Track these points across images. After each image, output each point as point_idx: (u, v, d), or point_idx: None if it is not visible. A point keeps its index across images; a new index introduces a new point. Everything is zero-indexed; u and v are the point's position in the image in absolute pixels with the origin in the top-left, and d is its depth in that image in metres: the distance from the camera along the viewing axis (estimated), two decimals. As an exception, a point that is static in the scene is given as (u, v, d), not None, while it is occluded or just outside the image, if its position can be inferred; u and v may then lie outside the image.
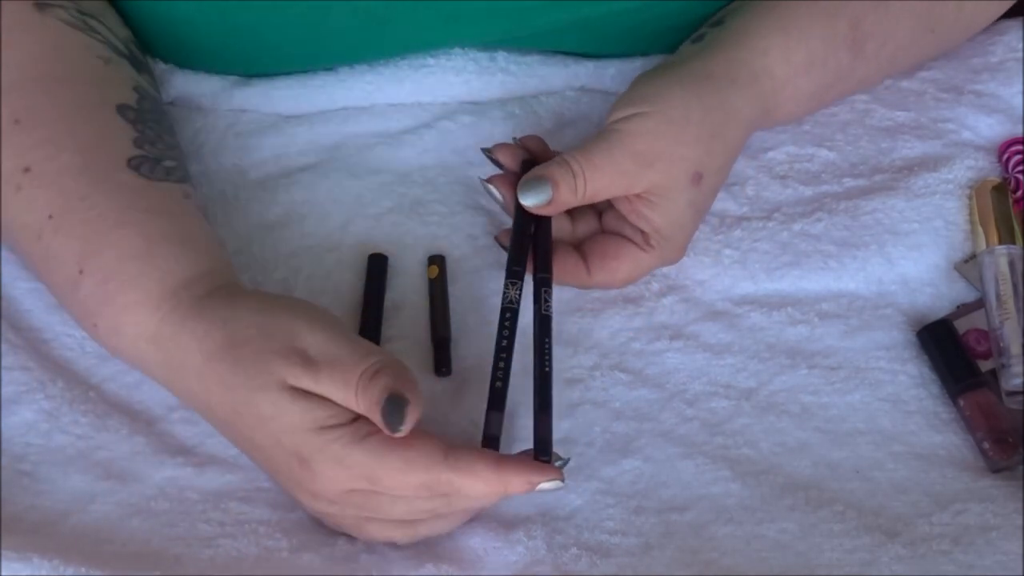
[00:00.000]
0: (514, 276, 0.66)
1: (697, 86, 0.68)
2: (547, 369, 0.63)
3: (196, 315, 0.61)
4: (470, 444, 0.61)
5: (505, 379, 0.63)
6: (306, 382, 0.58)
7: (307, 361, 0.58)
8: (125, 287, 0.62)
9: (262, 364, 0.58)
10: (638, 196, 0.67)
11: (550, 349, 0.64)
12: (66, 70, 0.67)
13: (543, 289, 0.66)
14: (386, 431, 0.57)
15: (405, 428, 0.57)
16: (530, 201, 0.66)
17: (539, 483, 0.59)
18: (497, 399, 0.62)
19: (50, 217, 0.63)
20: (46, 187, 0.64)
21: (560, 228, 0.70)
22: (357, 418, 0.58)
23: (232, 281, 0.64)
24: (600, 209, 0.71)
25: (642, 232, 0.69)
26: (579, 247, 0.70)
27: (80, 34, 0.68)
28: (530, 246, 0.68)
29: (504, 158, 0.70)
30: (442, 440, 0.59)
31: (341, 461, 0.58)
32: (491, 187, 0.69)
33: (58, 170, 0.64)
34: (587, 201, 0.67)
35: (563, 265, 0.69)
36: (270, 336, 0.59)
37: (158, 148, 0.66)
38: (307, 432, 0.58)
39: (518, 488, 0.59)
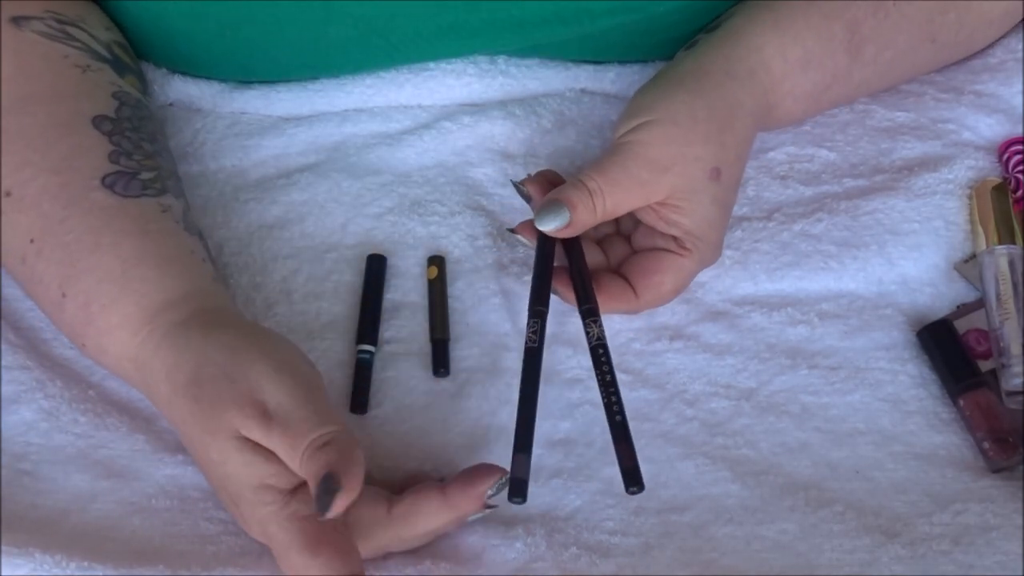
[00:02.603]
0: (534, 315, 0.65)
1: (696, 84, 0.68)
2: (610, 399, 0.62)
3: (169, 344, 0.61)
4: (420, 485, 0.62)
5: (530, 422, 0.61)
6: (257, 435, 0.57)
7: (263, 415, 0.57)
8: (106, 310, 0.62)
9: (219, 410, 0.58)
10: (662, 204, 0.67)
11: (611, 379, 0.63)
12: (42, 87, 0.67)
13: (589, 320, 0.65)
14: (316, 508, 0.56)
15: (331, 513, 0.56)
16: (548, 226, 0.66)
17: (484, 492, 0.59)
18: (522, 441, 0.61)
19: (32, 241, 0.64)
20: (26, 211, 0.64)
21: (595, 260, 0.69)
22: (296, 489, 0.58)
23: (214, 305, 0.64)
24: (627, 233, 0.71)
25: (675, 238, 0.68)
26: (617, 273, 0.70)
27: (57, 45, 0.68)
28: (551, 282, 0.67)
29: (535, 191, 0.69)
30: (382, 497, 0.60)
31: (264, 527, 0.58)
32: (520, 237, 0.68)
33: (37, 193, 0.64)
34: (607, 217, 0.67)
35: (610, 291, 0.68)
36: (233, 382, 0.58)
37: (134, 160, 0.66)
38: (245, 486, 0.58)
39: (471, 507, 0.60)
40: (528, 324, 0.64)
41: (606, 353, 0.64)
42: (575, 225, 0.66)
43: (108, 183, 0.65)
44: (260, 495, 0.58)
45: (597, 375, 0.63)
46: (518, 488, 0.59)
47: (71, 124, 0.66)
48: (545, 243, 0.67)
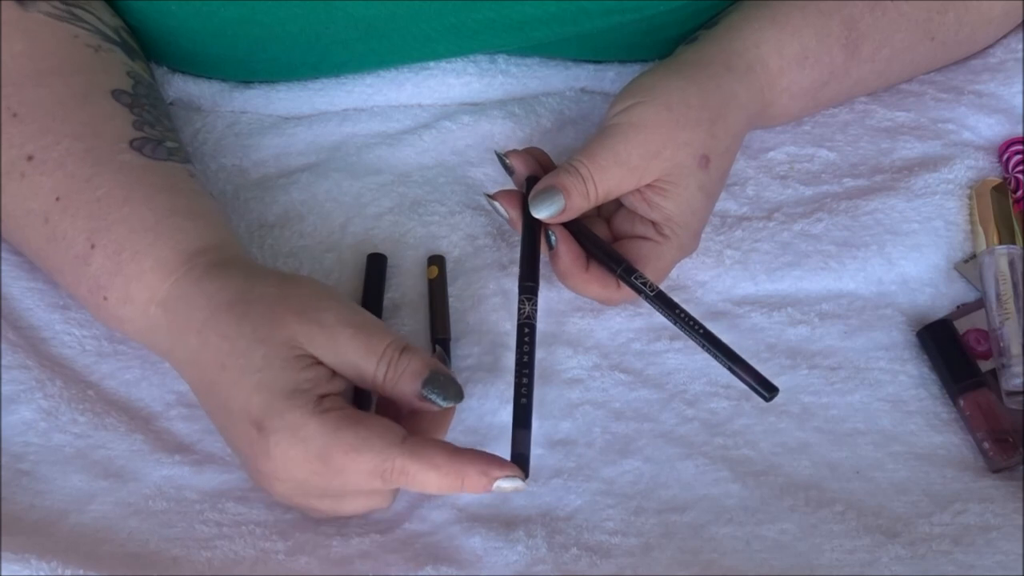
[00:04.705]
0: (527, 291, 0.65)
1: (693, 73, 0.69)
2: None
3: (211, 276, 0.61)
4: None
5: (529, 396, 0.62)
6: (320, 340, 0.58)
7: (324, 324, 0.58)
8: (139, 256, 0.62)
9: (275, 320, 0.59)
10: (648, 186, 0.67)
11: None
12: (55, 62, 0.67)
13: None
14: (435, 406, 0.59)
15: (460, 398, 0.59)
16: (544, 213, 0.66)
17: (497, 477, 0.58)
18: (523, 416, 0.61)
19: (57, 199, 0.64)
20: (51, 172, 0.64)
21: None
22: (326, 396, 0.58)
23: (245, 255, 0.65)
24: (607, 215, 0.71)
25: (654, 224, 0.68)
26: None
27: (66, 25, 0.68)
28: (539, 258, 0.67)
29: (518, 164, 0.69)
30: (400, 427, 0.59)
31: (296, 432, 0.57)
32: (497, 204, 0.68)
33: (61, 155, 0.64)
34: (600, 202, 0.67)
35: (596, 276, 0.68)
36: (288, 297, 0.59)
37: (158, 130, 0.67)
38: (277, 394, 0.57)
39: (474, 482, 0.58)
40: (522, 300, 0.65)
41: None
42: (569, 211, 0.66)
43: (136, 146, 0.65)
44: (292, 399, 0.57)
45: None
46: (520, 464, 0.59)
47: (90, 95, 0.66)
48: (533, 219, 0.67)
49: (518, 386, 0.62)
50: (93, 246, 0.63)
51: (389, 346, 0.59)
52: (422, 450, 0.58)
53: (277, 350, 0.58)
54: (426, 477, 0.58)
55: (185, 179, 0.66)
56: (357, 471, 0.58)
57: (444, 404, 0.59)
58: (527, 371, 0.62)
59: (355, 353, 0.58)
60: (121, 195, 0.63)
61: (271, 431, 0.57)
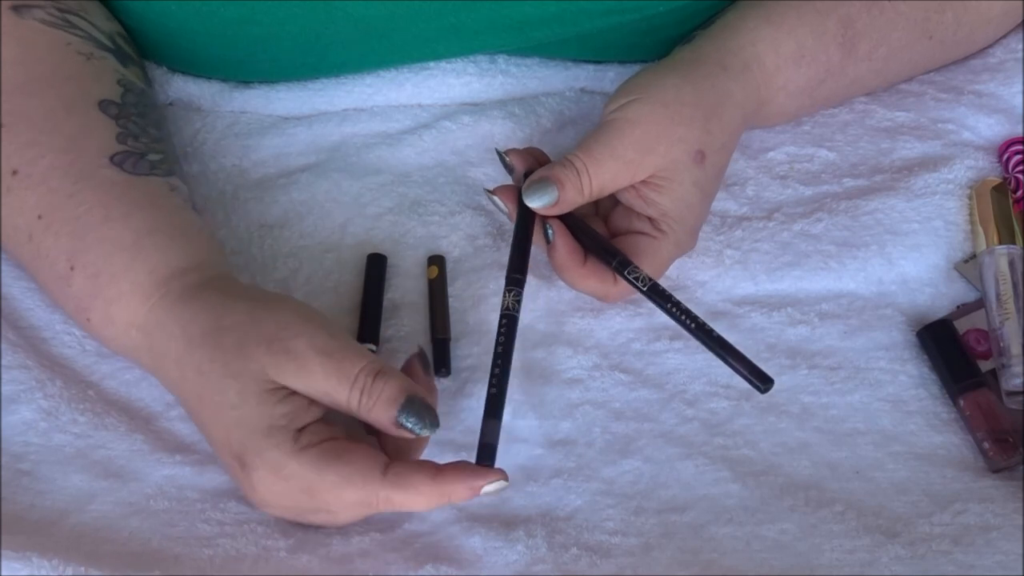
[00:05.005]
0: (513, 283, 0.65)
1: (688, 71, 0.69)
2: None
3: (185, 302, 0.61)
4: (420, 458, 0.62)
5: (501, 386, 0.62)
6: (290, 369, 0.58)
7: (293, 354, 0.58)
8: (116, 279, 0.62)
9: (245, 351, 0.58)
10: (643, 182, 0.67)
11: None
12: (46, 71, 0.67)
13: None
14: (411, 433, 0.58)
15: (437, 428, 0.58)
16: (537, 203, 0.66)
17: (482, 487, 0.59)
18: (493, 406, 0.61)
19: (39, 217, 0.64)
20: (34, 188, 0.64)
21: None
22: (304, 428, 0.58)
23: (226, 273, 0.65)
24: (605, 213, 0.71)
25: (650, 220, 0.68)
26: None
27: (59, 32, 0.68)
28: (529, 252, 0.67)
29: (518, 162, 0.69)
30: (382, 456, 0.59)
31: (278, 471, 0.58)
32: (496, 198, 0.68)
33: (44, 171, 0.64)
34: (595, 197, 0.67)
35: (593, 270, 0.68)
36: (259, 324, 0.59)
37: (142, 142, 0.67)
38: (254, 431, 0.58)
39: (461, 496, 0.59)
40: (505, 292, 0.65)
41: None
42: (563, 203, 0.66)
43: (117, 161, 0.65)
44: (271, 437, 0.58)
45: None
46: (487, 453, 0.60)
47: (77, 106, 0.66)
48: (526, 214, 0.67)
49: (491, 376, 0.62)
50: (72, 268, 0.63)
51: (362, 371, 0.58)
52: (405, 479, 0.58)
53: (250, 385, 0.58)
54: (412, 503, 0.59)
55: (166, 194, 0.65)
56: (342, 503, 0.59)
57: (420, 432, 0.59)
58: (500, 361, 0.62)
59: (326, 381, 0.58)
60: (101, 213, 0.63)
61: (252, 468, 0.58)
